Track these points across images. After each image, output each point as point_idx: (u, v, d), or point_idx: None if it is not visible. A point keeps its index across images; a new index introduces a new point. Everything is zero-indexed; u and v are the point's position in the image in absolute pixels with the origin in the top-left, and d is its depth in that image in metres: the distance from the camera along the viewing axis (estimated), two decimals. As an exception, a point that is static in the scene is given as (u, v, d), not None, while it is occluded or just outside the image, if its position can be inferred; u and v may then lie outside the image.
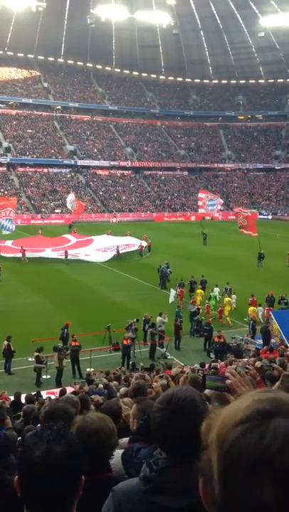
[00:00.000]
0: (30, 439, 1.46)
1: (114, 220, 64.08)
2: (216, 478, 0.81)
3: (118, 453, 2.83)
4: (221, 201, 51.13)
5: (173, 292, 25.67)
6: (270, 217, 71.10)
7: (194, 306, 23.49)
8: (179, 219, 68.75)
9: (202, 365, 14.32)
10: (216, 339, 19.33)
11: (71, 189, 70.73)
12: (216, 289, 26.23)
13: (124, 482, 1.96)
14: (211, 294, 25.76)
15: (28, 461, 1.39)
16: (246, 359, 14.26)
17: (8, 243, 38.98)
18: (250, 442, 0.77)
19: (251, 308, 23.10)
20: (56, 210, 64.76)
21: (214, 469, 0.82)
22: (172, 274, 30.08)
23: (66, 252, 36.09)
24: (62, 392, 11.22)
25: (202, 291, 26.34)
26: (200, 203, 47.73)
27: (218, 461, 0.81)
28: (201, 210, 48.57)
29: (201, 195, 48.76)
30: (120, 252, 37.54)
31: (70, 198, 48.52)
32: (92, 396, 8.02)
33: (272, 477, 0.74)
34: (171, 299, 25.35)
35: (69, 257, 35.74)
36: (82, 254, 36.88)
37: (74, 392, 9.82)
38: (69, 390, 12.33)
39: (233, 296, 25.46)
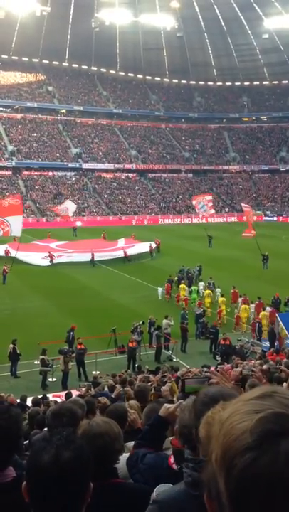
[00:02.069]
0: (39, 444, 1.44)
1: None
2: (225, 502, 0.80)
3: (124, 457, 2.82)
4: (209, 199, 51.80)
5: (160, 290, 27.30)
6: (275, 218, 70.99)
7: (200, 308, 23.49)
8: (183, 221, 68.70)
9: (208, 367, 14.24)
10: (222, 342, 19.27)
11: (76, 192, 71.02)
12: (201, 284, 27.92)
13: (165, 491, 1.92)
14: (193, 288, 27.17)
15: (37, 465, 1.37)
16: (252, 361, 14.19)
17: (53, 245, 39.70)
18: (263, 468, 0.76)
19: (221, 299, 24.40)
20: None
21: (222, 492, 0.81)
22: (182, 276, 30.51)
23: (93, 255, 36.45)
24: (68, 396, 11.22)
25: (185, 286, 27.49)
26: (196, 209, 50.47)
27: (227, 487, 0.79)
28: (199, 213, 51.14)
29: (193, 202, 50.62)
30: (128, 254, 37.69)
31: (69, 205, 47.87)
32: (100, 398, 7.99)
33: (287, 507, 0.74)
34: (160, 296, 27.16)
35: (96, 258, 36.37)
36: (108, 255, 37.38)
37: (80, 396, 9.81)
38: (75, 393, 12.32)
39: (217, 289, 26.55)
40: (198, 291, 26.91)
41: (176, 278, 29.04)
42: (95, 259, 36.28)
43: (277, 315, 21.59)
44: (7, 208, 29.16)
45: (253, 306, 23.89)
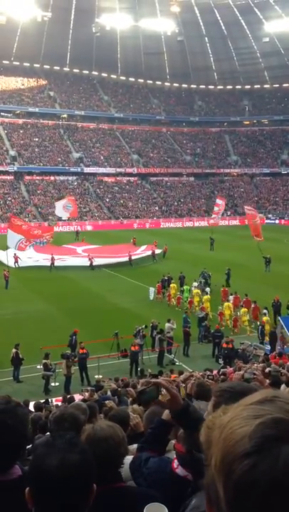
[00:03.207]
0: (43, 449, 1.43)
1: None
2: (224, 508, 0.79)
3: (128, 459, 2.82)
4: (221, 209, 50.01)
5: (152, 289, 28.32)
6: (277, 221, 70.95)
7: (202, 311, 23.51)
8: (185, 224, 68.79)
9: (210, 371, 14.22)
10: (224, 345, 19.26)
11: (78, 196, 71.13)
12: (195, 284, 28.80)
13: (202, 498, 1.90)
14: (185, 287, 28.16)
15: (43, 470, 1.36)
16: (255, 365, 14.16)
17: (80, 249, 40.62)
18: (261, 474, 0.75)
19: (205, 297, 25.67)
20: (63, 218, 64.90)
21: (221, 497, 0.80)
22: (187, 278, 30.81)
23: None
24: (70, 400, 11.18)
25: (175, 286, 28.42)
26: (216, 209, 48.01)
27: (226, 491, 0.79)
28: (213, 216, 49.74)
29: (218, 201, 48.15)
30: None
31: (63, 203, 48.80)
32: (106, 402, 7.98)
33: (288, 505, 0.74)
34: (151, 296, 28.11)
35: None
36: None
37: (84, 400, 9.79)
38: (77, 397, 12.29)
39: (207, 289, 28.02)
40: (189, 290, 27.67)
41: (165, 278, 29.95)
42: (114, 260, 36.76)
43: (279, 318, 21.63)
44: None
45: (231, 297, 25.51)
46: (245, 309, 23.73)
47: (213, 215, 49.28)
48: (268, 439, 0.77)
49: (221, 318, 23.60)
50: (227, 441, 0.81)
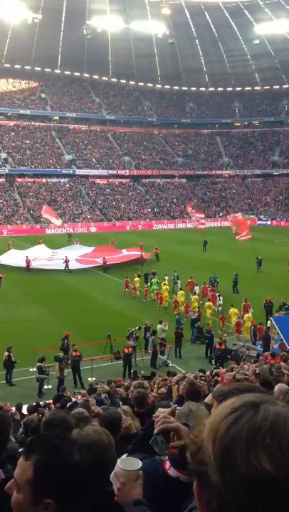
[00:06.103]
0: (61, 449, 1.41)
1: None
2: (213, 465, 0.85)
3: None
4: (199, 217, 50.64)
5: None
6: (268, 222, 71.29)
7: (195, 313, 23.52)
8: (177, 226, 68.90)
9: (203, 371, 14.25)
10: (217, 346, 19.31)
11: (70, 198, 71.05)
12: (166, 277, 30.12)
13: None
14: (153, 280, 29.82)
15: (67, 468, 1.35)
16: (246, 365, 14.21)
17: (126, 252, 40.24)
18: (244, 423, 0.83)
19: (164, 287, 27.60)
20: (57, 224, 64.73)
21: (210, 459, 0.86)
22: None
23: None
24: (64, 403, 11.13)
25: (139, 279, 30.31)
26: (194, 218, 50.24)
27: (214, 448, 0.85)
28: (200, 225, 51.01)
29: (197, 215, 50.49)
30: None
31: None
32: (93, 407, 7.96)
33: (268, 450, 0.80)
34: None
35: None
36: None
37: (75, 403, 9.75)
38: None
39: (178, 281, 29.98)
40: (157, 282, 29.22)
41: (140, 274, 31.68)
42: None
43: (271, 318, 21.72)
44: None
45: (197, 288, 27.91)
46: (196, 297, 25.76)
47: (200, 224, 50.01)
48: (248, 402, 0.88)
49: (176, 306, 24.86)
50: (214, 416, 0.91)
